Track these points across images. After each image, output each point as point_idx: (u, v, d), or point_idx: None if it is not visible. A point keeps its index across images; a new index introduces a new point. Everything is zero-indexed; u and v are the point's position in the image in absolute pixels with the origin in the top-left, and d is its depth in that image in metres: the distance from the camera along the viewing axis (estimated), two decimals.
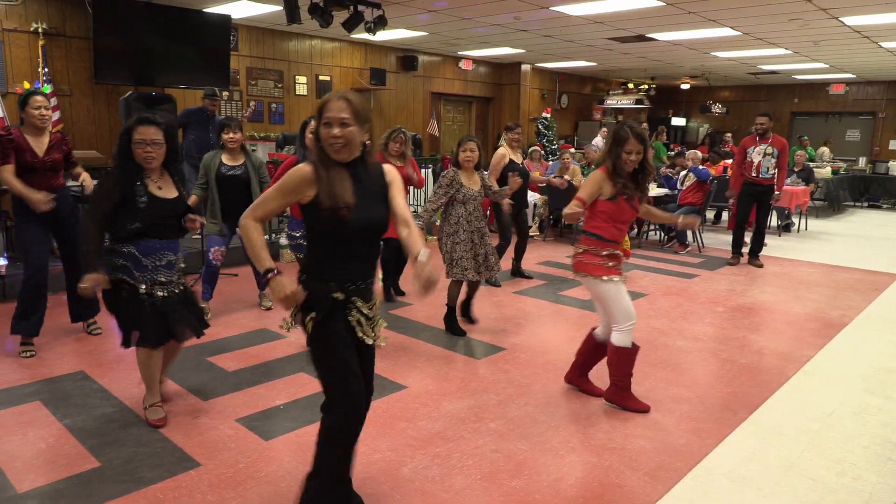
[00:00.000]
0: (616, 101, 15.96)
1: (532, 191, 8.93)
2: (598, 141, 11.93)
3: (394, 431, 3.13)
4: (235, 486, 2.64)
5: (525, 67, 13.23)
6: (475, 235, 4.42)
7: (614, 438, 3.10)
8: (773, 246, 8.29)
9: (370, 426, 3.17)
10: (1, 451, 2.84)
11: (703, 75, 14.80)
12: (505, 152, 5.87)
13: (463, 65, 12.58)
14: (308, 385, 3.66)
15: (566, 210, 3.23)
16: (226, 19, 8.16)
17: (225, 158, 4.65)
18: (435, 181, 4.89)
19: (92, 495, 2.54)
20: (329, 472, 2.23)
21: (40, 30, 7.16)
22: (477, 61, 12.82)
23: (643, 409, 3.38)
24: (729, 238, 7.72)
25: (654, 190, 8.40)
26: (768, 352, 4.40)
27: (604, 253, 3.27)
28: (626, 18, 8.23)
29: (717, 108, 16.45)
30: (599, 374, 3.59)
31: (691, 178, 8.08)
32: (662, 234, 8.63)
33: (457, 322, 4.63)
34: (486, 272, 4.50)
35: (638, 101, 15.71)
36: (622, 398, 3.40)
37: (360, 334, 2.23)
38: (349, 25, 7.28)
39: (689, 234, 8.19)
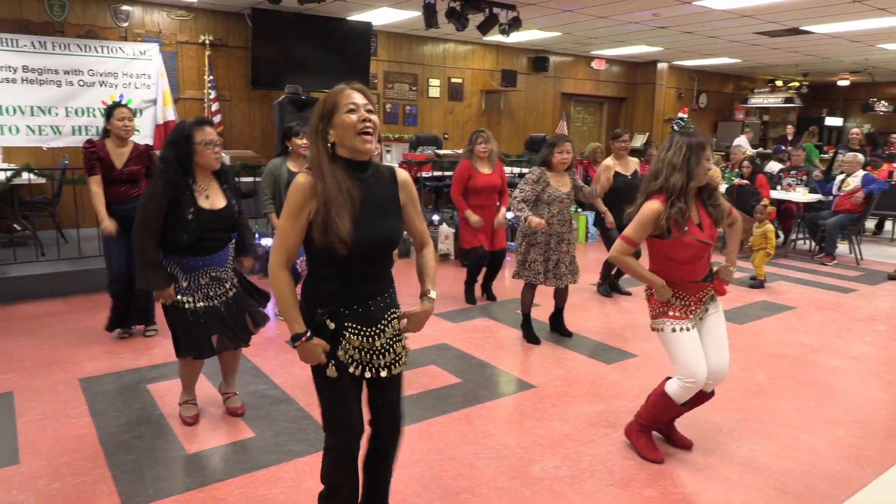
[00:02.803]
0: (762, 100, 14.83)
1: None
2: (742, 141, 11.20)
3: (523, 430, 3.15)
4: None
5: (661, 66, 12.69)
6: (553, 239, 4.18)
7: (758, 458, 2.92)
8: None
9: (496, 422, 3.22)
10: (173, 418, 3.20)
11: (866, 70, 13.38)
12: (611, 164, 5.38)
13: (595, 64, 12.30)
14: (439, 377, 3.77)
15: (611, 252, 2.86)
16: (367, 26, 8.60)
17: (291, 166, 4.55)
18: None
19: (247, 462, 2.79)
20: (328, 491, 2.14)
21: (207, 41, 7.94)
22: (610, 61, 12.48)
23: (656, 460, 2.85)
24: (892, 250, 6.95)
25: (806, 196, 7.74)
26: None
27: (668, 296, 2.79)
28: (778, 11, 7.65)
29: (881, 106, 14.75)
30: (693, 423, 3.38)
31: (850, 184, 7.35)
32: (813, 244, 7.93)
33: (532, 330, 4.45)
34: (553, 280, 4.22)
35: (787, 100, 14.50)
36: (638, 438, 2.94)
37: (353, 370, 1.97)
38: (484, 28, 7.40)
39: (843, 244, 7.47)
